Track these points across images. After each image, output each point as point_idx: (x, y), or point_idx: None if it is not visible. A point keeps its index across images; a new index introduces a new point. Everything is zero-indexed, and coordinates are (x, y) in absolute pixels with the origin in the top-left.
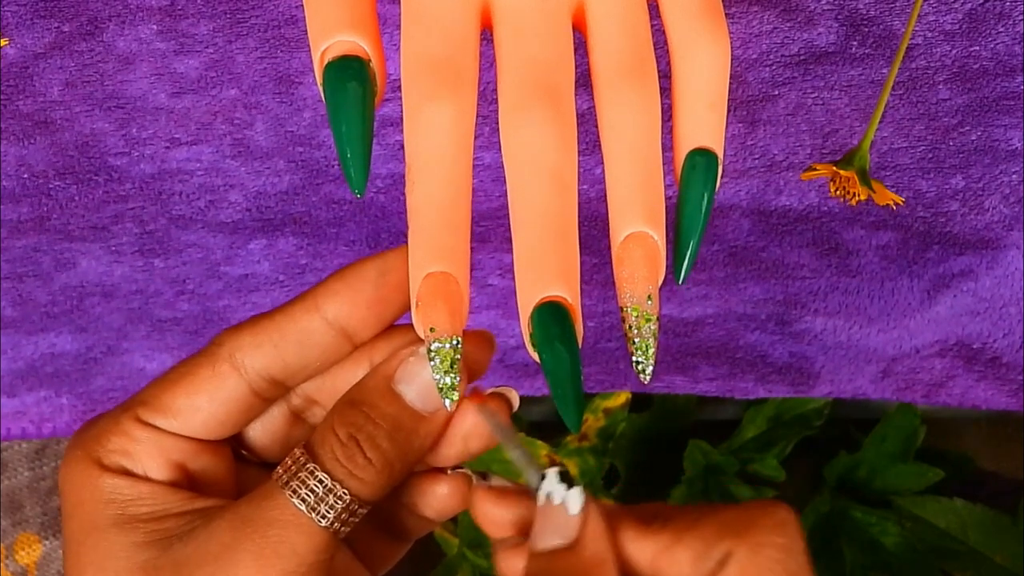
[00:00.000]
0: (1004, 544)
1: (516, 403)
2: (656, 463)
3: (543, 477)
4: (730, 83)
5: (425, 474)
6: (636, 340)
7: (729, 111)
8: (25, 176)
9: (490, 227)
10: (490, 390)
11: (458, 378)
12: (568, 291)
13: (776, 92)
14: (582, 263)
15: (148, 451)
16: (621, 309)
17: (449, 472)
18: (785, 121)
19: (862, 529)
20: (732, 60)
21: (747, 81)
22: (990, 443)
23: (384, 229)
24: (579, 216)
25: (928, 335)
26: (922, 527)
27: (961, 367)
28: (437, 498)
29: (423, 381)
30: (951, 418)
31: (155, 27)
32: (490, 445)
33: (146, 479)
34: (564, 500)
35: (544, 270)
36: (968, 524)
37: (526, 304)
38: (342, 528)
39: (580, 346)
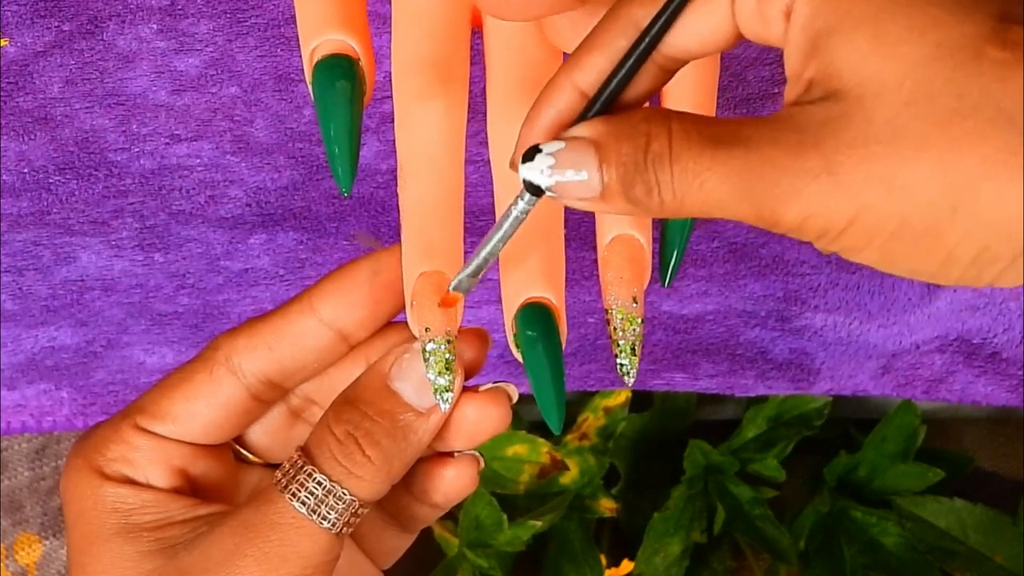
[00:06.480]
0: (1004, 544)
1: (515, 397)
2: (656, 463)
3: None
4: (730, 82)
5: (431, 458)
6: (620, 342)
7: (729, 110)
8: (25, 171)
9: (491, 222)
10: (488, 385)
11: (452, 379)
12: (553, 292)
13: (776, 90)
14: (583, 260)
15: (149, 458)
16: (606, 311)
17: (455, 455)
18: None
19: (862, 529)
20: (732, 59)
21: (747, 80)
22: (990, 443)
23: (384, 224)
24: (579, 214)
25: (928, 331)
26: (922, 527)
27: (961, 363)
28: (445, 481)
29: (419, 377)
30: (951, 418)
31: (155, 26)
32: (497, 431)
33: (148, 487)
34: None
35: (529, 270)
36: (968, 524)
37: (510, 304)
38: (344, 528)
39: (563, 347)
